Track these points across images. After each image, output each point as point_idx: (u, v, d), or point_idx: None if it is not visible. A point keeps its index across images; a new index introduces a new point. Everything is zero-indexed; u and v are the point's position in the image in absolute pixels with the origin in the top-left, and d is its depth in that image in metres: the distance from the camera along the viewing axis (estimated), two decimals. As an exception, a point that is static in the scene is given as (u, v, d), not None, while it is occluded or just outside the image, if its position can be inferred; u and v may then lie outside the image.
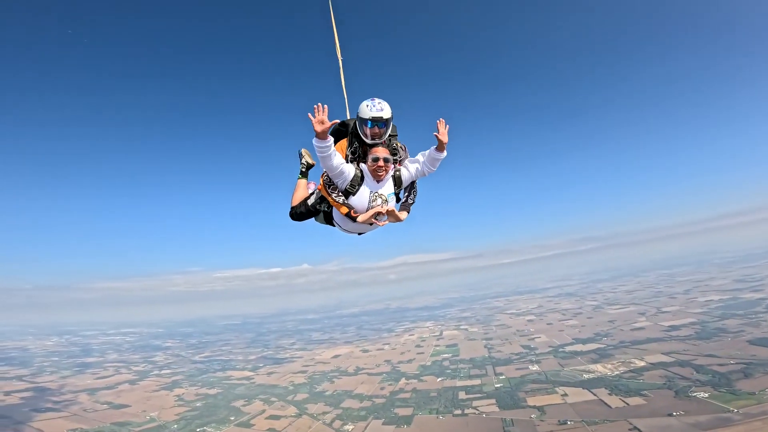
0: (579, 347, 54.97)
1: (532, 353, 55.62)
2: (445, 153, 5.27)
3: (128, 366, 72.97)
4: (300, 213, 5.70)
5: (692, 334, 52.52)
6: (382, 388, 49.37)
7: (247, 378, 60.97)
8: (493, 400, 40.31)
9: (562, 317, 79.86)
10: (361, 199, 5.14)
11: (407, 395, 45.66)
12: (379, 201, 5.18)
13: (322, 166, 4.97)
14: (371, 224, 5.19)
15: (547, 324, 75.30)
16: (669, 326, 58.15)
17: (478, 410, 38.50)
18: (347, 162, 5.23)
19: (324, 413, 43.31)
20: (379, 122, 5.08)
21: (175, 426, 42.03)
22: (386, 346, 75.95)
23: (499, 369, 50.64)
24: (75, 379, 62.04)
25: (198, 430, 41.15)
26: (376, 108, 5.05)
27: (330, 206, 5.36)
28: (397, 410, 41.42)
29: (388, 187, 5.28)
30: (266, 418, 43.28)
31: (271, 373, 63.12)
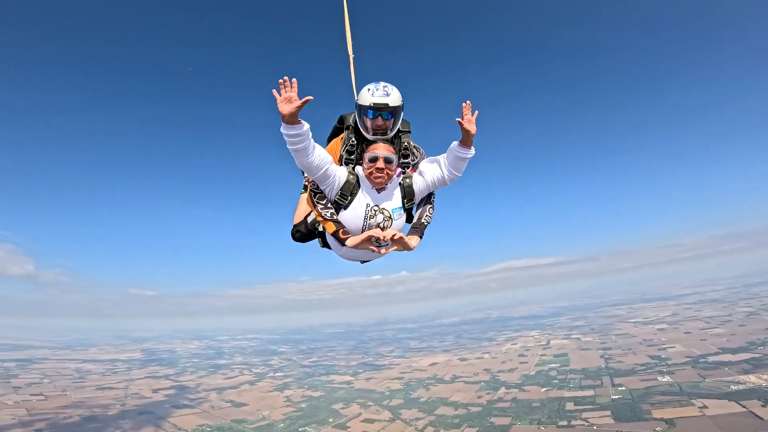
0: (727, 357, 45.21)
1: (663, 364, 47.43)
2: (472, 150, 3.83)
3: (250, 368, 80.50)
4: (300, 233, 4.38)
5: None
6: (479, 397, 46.76)
7: (347, 382, 63.12)
8: (608, 412, 35.30)
9: (705, 325, 66.31)
10: (354, 214, 3.78)
11: (506, 404, 42.50)
12: (379, 218, 3.79)
13: (297, 165, 3.64)
14: (373, 251, 3.78)
15: (684, 333, 63.24)
16: None
17: (587, 422, 33.96)
18: (341, 164, 4.01)
19: (417, 419, 42.63)
20: (383, 111, 3.85)
21: (281, 425, 44.84)
22: (486, 355, 71.97)
23: (618, 380, 44.11)
24: (208, 378, 70.05)
25: (300, 429, 43.39)
26: (379, 92, 3.86)
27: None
28: (493, 419, 38.71)
29: (394, 200, 3.88)
30: (361, 421, 44.17)
31: (370, 378, 64.51)
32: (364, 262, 4.26)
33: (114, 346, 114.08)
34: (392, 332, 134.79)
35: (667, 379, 41.92)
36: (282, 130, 3.37)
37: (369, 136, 3.96)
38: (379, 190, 3.85)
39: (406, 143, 4.15)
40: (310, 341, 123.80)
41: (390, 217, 3.82)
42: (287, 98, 3.27)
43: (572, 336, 78.32)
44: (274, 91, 3.28)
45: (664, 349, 54.97)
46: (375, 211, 3.79)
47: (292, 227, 4.48)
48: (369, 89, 3.89)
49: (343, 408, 49.42)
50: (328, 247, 4.24)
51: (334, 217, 3.79)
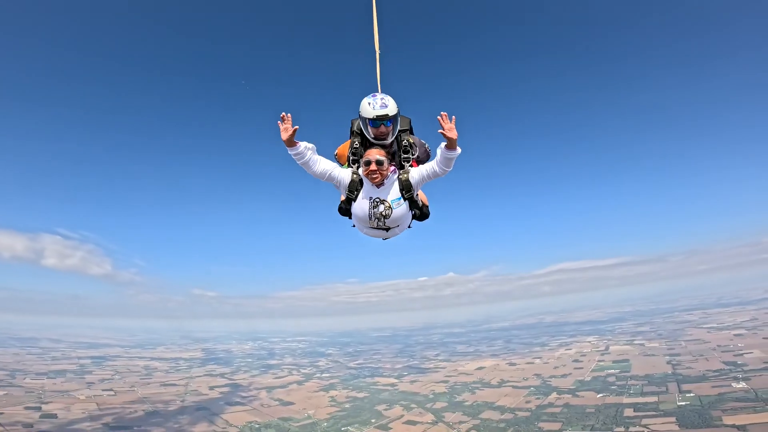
0: None
1: (739, 370, 43.34)
2: (458, 150, 4.52)
3: (299, 369, 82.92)
4: (341, 208, 5.23)
5: None
6: (527, 402, 45.10)
7: (392, 385, 63.25)
8: (672, 419, 33.05)
9: (788, 330, 59.21)
10: (361, 205, 4.76)
11: (557, 410, 40.69)
12: (381, 207, 4.71)
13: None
14: (387, 230, 4.86)
15: (764, 338, 57.15)
16: None
17: (648, 428, 31.94)
18: (349, 164, 4.96)
19: (460, 422, 42.03)
20: (384, 120, 4.63)
21: (325, 424, 46.01)
22: (537, 360, 68.98)
23: (686, 386, 40.92)
24: (260, 378, 73.08)
25: (343, 429, 44.23)
26: (379, 105, 4.62)
27: (344, 204, 5.02)
28: (541, 424, 37.25)
29: (392, 193, 4.74)
30: (403, 423, 44.28)
31: (414, 381, 64.17)
32: (386, 238, 5.10)
33: (179, 345, 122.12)
34: (439, 336, 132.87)
35: (742, 385, 38.55)
36: (288, 152, 4.62)
37: (374, 141, 4.76)
38: (378, 185, 4.71)
39: (405, 141, 4.92)
40: (357, 344, 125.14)
41: (390, 207, 4.70)
42: (285, 128, 4.47)
43: (635, 342, 73.03)
44: (279, 122, 4.49)
45: (741, 354, 50.21)
46: (377, 202, 4.70)
47: (339, 203, 5.31)
48: (369, 103, 4.63)
49: (386, 409, 49.68)
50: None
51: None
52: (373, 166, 4.54)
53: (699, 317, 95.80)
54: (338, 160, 5.26)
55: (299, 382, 68.66)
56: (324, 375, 75.06)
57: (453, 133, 4.35)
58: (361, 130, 4.87)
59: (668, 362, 52.96)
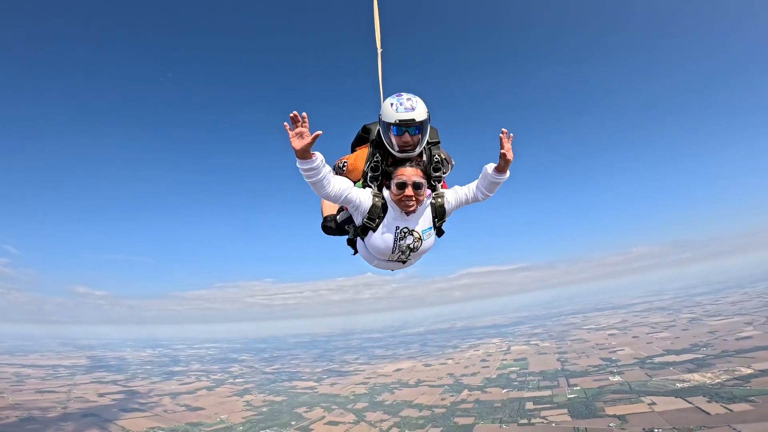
0: (671, 358, 49.08)
1: (614, 365, 50.77)
2: (507, 174, 3.78)
3: (208, 375, 77.37)
4: (328, 227, 4.33)
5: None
6: (443, 399, 47.98)
7: (311, 388, 62.45)
8: (565, 410, 37.44)
9: (651, 330, 71.58)
10: (384, 236, 3.71)
11: (469, 406, 43.95)
12: (409, 239, 3.71)
13: (317, 195, 3.58)
14: (403, 262, 3.92)
15: (633, 337, 67.92)
16: (781, 334, 50.13)
17: (546, 419, 35.83)
18: (366, 182, 3.87)
19: (382, 421, 43.12)
20: (409, 126, 3.62)
21: (241, 428, 44.00)
22: (449, 361, 73.58)
23: (573, 381, 46.78)
24: (162, 384, 66.80)
25: (260, 432, 42.55)
26: (404, 106, 3.60)
27: (357, 231, 3.92)
28: (457, 420, 39.94)
29: (424, 221, 3.78)
30: (325, 424, 44.12)
31: (334, 384, 64.09)
32: (395, 269, 4.22)
33: (57, 353, 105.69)
34: (358, 341, 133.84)
35: (617, 378, 44.82)
36: (297, 165, 3.34)
37: (396, 154, 3.76)
38: (408, 214, 3.73)
39: (437, 156, 3.92)
40: (274, 350, 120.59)
41: (420, 238, 3.76)
42: (299, 133, 3.22)
43: (531, 342, 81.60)
44: (285, 124, 3.24)
45: (615, 352, 58.70)
46: (405, 233, 3.72)
47: (322, 219, 4.42)
48: (392, 104, 3.65)
49: (306, 412, 49.02)
50: (355, 248, 4.18)
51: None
52: (409, 191, 3.57)
53: (581, 320, 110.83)
54: (348, 175, 4.08)
55: (209, 388, 64.23)
56: (237, 380, 71.13)
57: (511, 155, 3.63)
58: (380, 138, 3.90)
59: (558, 359, 59.95)
